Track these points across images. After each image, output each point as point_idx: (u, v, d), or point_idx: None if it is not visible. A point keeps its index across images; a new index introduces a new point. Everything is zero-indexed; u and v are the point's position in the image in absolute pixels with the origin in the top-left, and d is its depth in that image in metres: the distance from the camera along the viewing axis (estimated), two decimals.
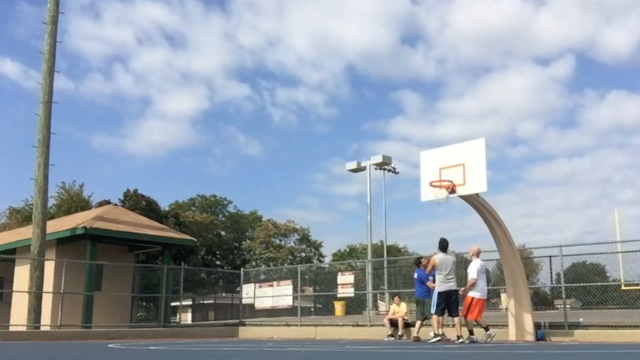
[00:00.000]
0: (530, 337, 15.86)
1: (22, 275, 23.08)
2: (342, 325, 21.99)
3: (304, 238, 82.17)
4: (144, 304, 32.46)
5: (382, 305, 30.59)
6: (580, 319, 16.79)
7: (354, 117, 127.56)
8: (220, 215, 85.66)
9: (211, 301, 41.59)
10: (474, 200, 15.64)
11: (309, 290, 31.60)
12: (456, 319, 15.46)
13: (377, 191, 44.97)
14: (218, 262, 77.93)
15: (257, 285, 27.93)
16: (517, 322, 16.13)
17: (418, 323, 16.71)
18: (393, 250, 68.84)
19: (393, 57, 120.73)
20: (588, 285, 20.91)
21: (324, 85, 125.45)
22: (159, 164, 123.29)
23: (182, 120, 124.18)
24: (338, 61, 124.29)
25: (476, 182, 15.22)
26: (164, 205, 64.36)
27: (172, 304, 30.16)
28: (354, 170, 43.09)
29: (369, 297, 27.51)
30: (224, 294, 39.80)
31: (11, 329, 21.25)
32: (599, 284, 21.95)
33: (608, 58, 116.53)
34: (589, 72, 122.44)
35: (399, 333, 18.97)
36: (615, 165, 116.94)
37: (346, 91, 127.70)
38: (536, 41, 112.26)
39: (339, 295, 27.22)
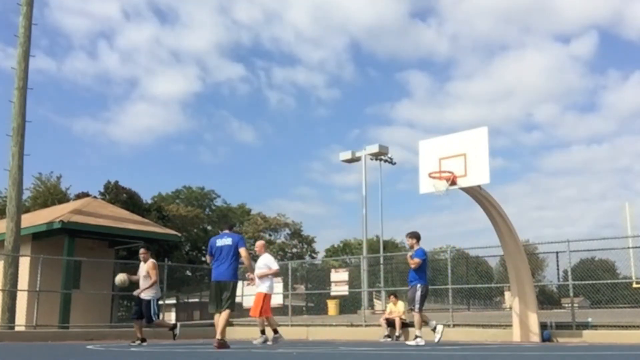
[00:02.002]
0: (535, 337, 15.84)
1: None
2: (336, 325, 21.96)
3: (296, 233, 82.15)
4: (125, 302, 32.32)
5: (378, 304, 30.60)
6: (589, 319, 16.78)
7: (357, 99, 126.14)
8: (207, 209, 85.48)
9: (196, 300, 41.49)
10: (475, 193, 15.58)
11: (301, 288, 31.58)
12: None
13: (380, 181, 45.33)
14: (204, 259, 77.79)
15: (245, 282, 27.77)
16: (521, 322, 16.11)
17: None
18: (390, 246, 68.88)
19: (401, 33, 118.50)
20: (597, 282, 20.90)
21: (325, 64, 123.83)
22: (145, 152, 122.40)
23: (171, 103, 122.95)
24: (341, 38, 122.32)
25: (478, 173, 15.14)
26: (146, 197, 64.23)
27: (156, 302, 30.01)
28: (348, 161, 43.01)
29: (364, 296, 27.54)
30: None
31: None
32: (608, 281, 21.95)
33: (634, 35, 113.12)
34: (612, 51, 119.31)
35: (396, 334, 18.95)
36: (635, 153, 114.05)
37: (349, 71, 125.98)
38: (558, 16, 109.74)
39: (332, 294, 27.24)
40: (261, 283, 15.50)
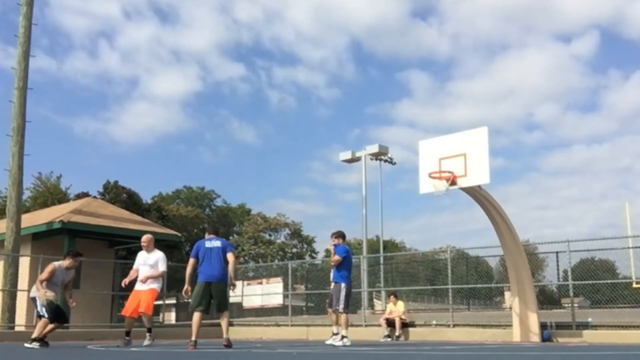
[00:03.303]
0: (535, 337, 15.84)
1: None
2: None
3: (296, 233, 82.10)
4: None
5: (378, 304, 30.59)
6: (589, 319, 16.78)
7: (358, 99, 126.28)
8: (207, 209, 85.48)
9: None
10: (475, 193, 15.58)
11: (301, 288, 31.55)
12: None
13: (381, 181, 45.39)
14: None
15: (245, 282, 27.84)
16: (521, 321, 16.11)
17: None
18: (390, 246, 68.93)
19: (402, 33, 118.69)
20: (597, 282, 20.88)
21: (325, 64, 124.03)
22: (145, 151, 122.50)
23: (171, 103, 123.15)
24: (341, 37, 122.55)
25: (478, 173, 15.15)
26: (147, 197, 64.31)
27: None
28: (348, 161, 42.93)
29: (364, 296, 27.52)
30: None
31: None
32: (608, 281, 21.95)
33: (635, 34, 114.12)
34: (613, 50, 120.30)
35: (396, 334, 18.96)
36: (636, 153, 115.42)
37: (350, 70, 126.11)
38: (559, 16, 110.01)
39: None
40: (154, 281, 14.82)
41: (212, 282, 12.57)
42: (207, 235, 13.27)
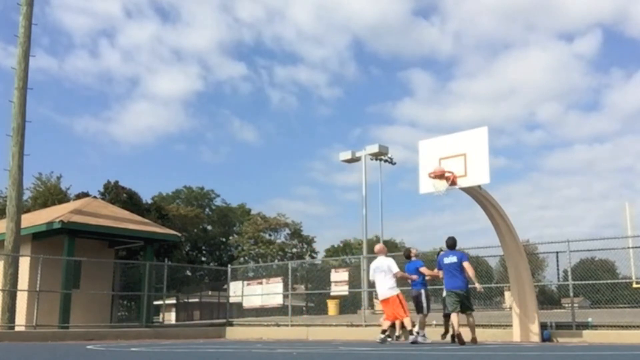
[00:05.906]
0: (535, 337, 15.85)
1: None
2: (336, 325, 21.95)
3: (296, 233, 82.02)
4: (125, 302, 32.33)
5: (378, 304, 30.55)
6: (589, 319, 16.78)
7: (359, 98, 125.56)
8: (207, 209, 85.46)
9: (196, 300, 41.48)
10: (475, 193, 15.58)
11: (301, 288, 31.54)
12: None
13: (382, 181, 45.31)
14: (204, 259, 77.75)
15: (245, 283, 27.78)
16: (521, 321, 16.11)
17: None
18: (390, 245, 68.77)
19: (404, 31, 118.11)
20: (597, 282, 20.85)
21: (327, 63, 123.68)
22: (146, 151, 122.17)
23: (172, 102, 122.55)
24: (343, 36, 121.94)
25: (478, 173, 15.14)
26: (147, 197, 64.24)
27: (155, 302, 30.04)
28: (348, 161, 42.84)
29: (365, 296, 27.45)
30: (210, 292, 39.65)
31: None
32: (608, 281, 21.91)
33: (638, 33, 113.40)
34: (616, 49, 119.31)
35: (396, 334, 18.92)
36: (638, 152, 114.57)
37: (351, 69, 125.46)
38: (561, 14, 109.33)
39: (332, 294, 27.12)
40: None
41: (457, 291, 14.83)
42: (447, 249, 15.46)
